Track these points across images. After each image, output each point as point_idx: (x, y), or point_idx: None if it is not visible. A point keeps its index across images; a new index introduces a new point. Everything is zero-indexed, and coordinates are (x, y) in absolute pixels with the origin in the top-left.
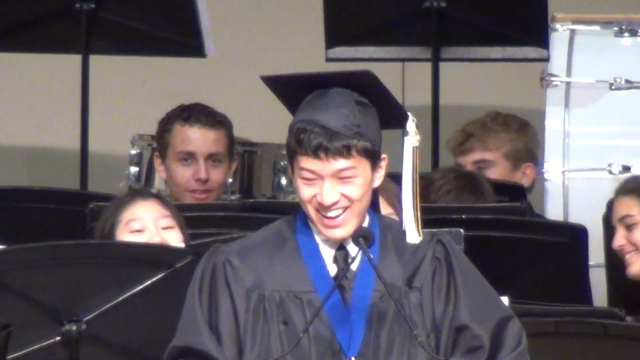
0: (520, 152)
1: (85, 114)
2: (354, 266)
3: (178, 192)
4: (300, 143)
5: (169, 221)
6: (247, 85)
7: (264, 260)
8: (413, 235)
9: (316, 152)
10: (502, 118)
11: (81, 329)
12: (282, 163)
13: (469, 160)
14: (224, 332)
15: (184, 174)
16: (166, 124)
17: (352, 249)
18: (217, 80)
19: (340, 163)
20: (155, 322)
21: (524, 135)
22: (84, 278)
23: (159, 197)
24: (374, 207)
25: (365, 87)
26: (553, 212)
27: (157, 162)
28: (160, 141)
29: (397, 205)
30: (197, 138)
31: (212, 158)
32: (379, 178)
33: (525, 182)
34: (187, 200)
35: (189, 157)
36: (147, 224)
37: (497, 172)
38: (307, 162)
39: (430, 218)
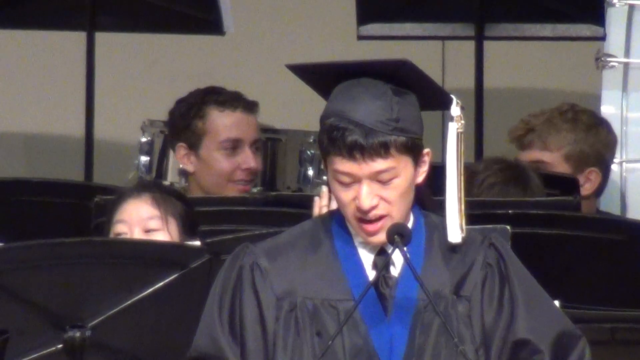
0: (585, 154)
1: (90, 97)
2: (395, 272)
3: (217, 184)
4: (333, 142)
5: (155, 223)
6: (269, 67)
7: (296, 264)
8: (455, 233)
9: (351, 152)
10: (571, 113)
11: (85, 335)
12: (308, 152)
13: (526, 158)
14: (249, 343)
15: (229, 163)
16: (197, 111)
17: (394, 252)
18: (237, 61)
19: (379, 164)
20: (167, 328)
21: (592, 135)
22: (89, 279)
23: (156, 191)
24: (420, 204)
25: (403, 77)
26: (609, 206)
27: (180, 153)
28: (190, 130)
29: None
30: (242, 124)
31: (254, 145)
32: (422, 174)
33: (587, 188)
34: (228, 191)
35: (233, 145)
36: (131, 227)
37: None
38: (342, 164)
39: (473, 213)
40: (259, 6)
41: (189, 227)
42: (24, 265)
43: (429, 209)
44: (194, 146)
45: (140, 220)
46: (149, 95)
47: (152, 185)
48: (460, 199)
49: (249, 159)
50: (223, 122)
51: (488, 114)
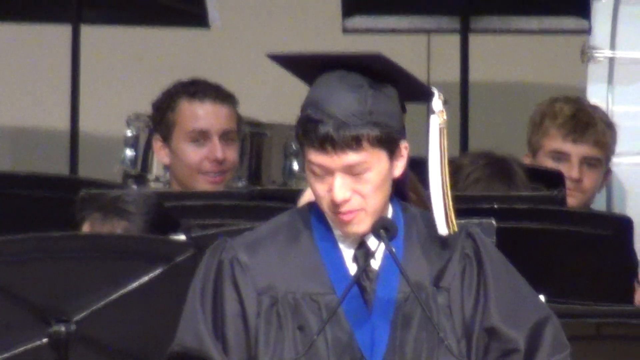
0: (610, 156)
1: (75, 90)
2: (376, 265)
3: (189, 176)
4: (306, 134)
5: None
6: (255, 60)
7: (276, 257)
8: (444, 226)
9: (323, 144)
10: (601, 111)
11: (70, 329)
12: (293, 146)
13: (578, 152)
14: (231, 338)
15: (196, 154)
16: (169, 103)
17: (374, 245)
18: (223, 54)
19: (350, 157)
20: (152, 322)
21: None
22: (74, 273)
23: (100, 212)
24: (400, 196)
25: (379, 70)
26: (594, 201)
27: (157, 146)
28: (163, 122)
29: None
30: (209, 114)
31: (225, 136)
32: (399, 167)
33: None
34: (200, 183)
35: (201, 136)
36: None
37: (598, 174)
38: (315, 156)
39: (459, 208)
40: None
41: None
42: (9, 260)
43: (419, 203)
44: (166, 138)
45: None
46: (134, 89)
47: (105, 202)
48: (445, 193)
49: (216, 150)
50: (190, 113)
51: (473, 107)
